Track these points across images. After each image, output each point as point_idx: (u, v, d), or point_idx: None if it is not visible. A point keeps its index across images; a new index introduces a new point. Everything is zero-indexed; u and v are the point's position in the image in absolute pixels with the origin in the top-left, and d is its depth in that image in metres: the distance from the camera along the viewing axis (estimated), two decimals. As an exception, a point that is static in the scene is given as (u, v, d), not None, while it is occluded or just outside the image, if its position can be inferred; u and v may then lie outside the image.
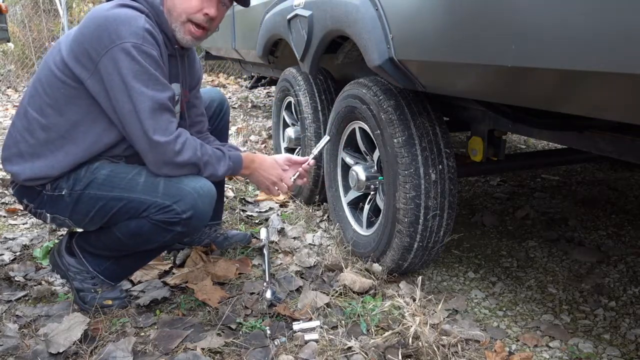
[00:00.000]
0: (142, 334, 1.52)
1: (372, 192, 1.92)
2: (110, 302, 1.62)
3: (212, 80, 7.73)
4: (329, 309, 1.62)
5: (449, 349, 1.41)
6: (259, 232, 2.13)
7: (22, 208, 1.76)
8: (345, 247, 1.99)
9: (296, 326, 1.52)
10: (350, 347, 1.42)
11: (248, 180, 1.74)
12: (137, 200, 1.45)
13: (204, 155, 1.50)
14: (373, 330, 1.52)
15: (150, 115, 1.39)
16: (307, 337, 1.47)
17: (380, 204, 1.85)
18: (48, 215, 1.54)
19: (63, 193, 1.49)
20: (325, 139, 1.86)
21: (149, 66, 1.39)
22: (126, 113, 1.40)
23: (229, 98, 6.34)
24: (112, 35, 1.36)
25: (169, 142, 1.42)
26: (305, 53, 2.13)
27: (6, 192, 2.76)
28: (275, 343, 1.46)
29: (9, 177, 1.66)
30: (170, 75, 1.56)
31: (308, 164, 1.76)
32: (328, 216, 2.36)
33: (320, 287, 1.77)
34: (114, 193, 1.46)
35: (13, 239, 2.18)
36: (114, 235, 1.52)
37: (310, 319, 1.56)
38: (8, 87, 7.06)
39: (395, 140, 1.62)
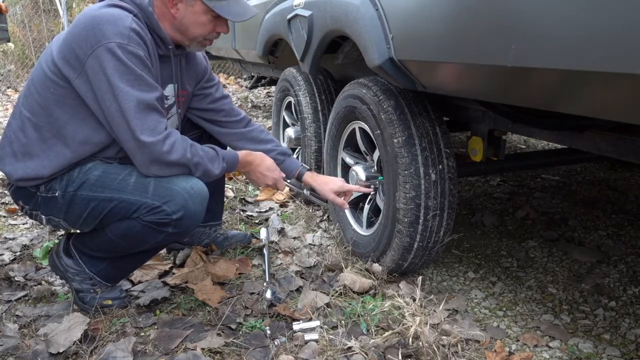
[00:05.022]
0: (142, 334, 1.52)
1: (372, 192, 1.92)
2: (110, 302, 1.62)
3: (212, 80, 7.71)
4: (329, 309, 1.62)
5: (449, 349, 1.41)
6: (259, 232, 2.13)
7: (21, 208, 1.77)
8: (345, 247, 1.99)
9: (296, 326, 1.52)
10: (350, 347, 1.42)
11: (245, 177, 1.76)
12: (127, 201, 1.44)
13: (194, 156, 1.49)
14: (373, 330, 1.52)
15: (137, 115, 1.38)
16: (307, 337, 1.47)
17: (380, 204, 1.85)
18: (43, 217, 1.54)
19: (56, 194, 1.48)
20: None
21: (135, 66, 1.38)
22: (113, 113, 1.39)
23: (229, 98, 6.32)
24: (98, 35, 1.35)
25: (156, 142, 1.40)
26: (305, 53, 2.13)
27: (6, 192, 2.76)
28: (275, 343, 1.46)
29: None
30: (163, 76, 1.56)
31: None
32: (328, 216, 2.36)
33: (320, 287, 1.77)
34: (105, 194, 1.45)
35: (13, 239, 2.19)
36: (107, 237, 1.52)
37: (310, 319, 1.56)
38: (8, 87, 7.06)
39: (395, 140, 1.62)
